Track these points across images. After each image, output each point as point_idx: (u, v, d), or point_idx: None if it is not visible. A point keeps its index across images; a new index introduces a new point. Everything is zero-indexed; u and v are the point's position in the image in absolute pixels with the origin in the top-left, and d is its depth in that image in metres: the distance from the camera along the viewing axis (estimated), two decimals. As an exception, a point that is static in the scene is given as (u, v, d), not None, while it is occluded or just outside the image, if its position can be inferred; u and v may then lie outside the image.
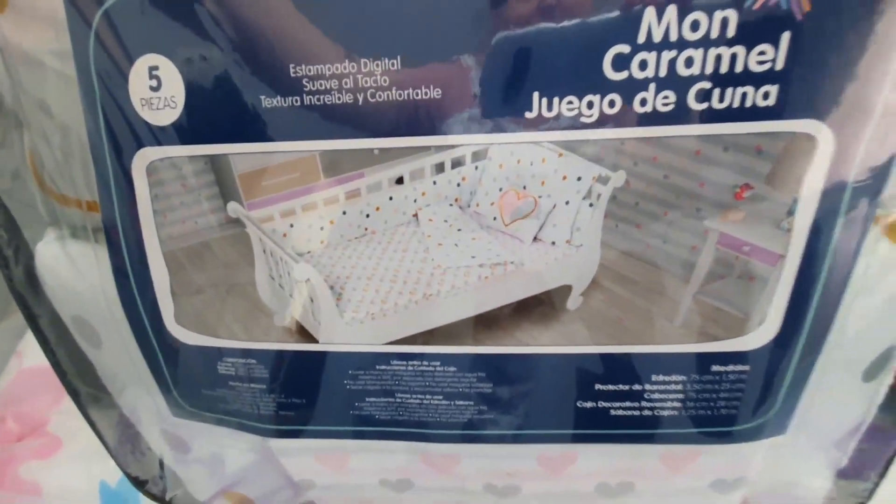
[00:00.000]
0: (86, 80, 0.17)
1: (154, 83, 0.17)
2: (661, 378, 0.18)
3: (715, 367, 0.17)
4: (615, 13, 0.13)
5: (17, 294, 0.22)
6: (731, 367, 0.17)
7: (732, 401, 0.18)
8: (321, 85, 0.15)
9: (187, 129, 0.17)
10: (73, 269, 0.21)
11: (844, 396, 0.20)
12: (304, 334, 0.18)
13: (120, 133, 0.18)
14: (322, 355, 0.18)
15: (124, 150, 0.18)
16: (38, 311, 0.23)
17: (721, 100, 0.14)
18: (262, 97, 0.16)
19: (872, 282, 0.17)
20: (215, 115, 0.16)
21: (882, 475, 0.24)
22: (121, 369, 0.22)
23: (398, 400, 0.19)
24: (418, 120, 0.15)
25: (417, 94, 0.14)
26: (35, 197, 0.23)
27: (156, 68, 0.16)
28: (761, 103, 0.14)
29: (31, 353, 0.47)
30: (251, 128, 0.16)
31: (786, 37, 0.13)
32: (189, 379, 0.20)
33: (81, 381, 0.25)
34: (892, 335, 0.19)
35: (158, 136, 0.17)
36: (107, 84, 0.17)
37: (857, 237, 0.15)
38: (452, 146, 0.15)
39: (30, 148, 0.22)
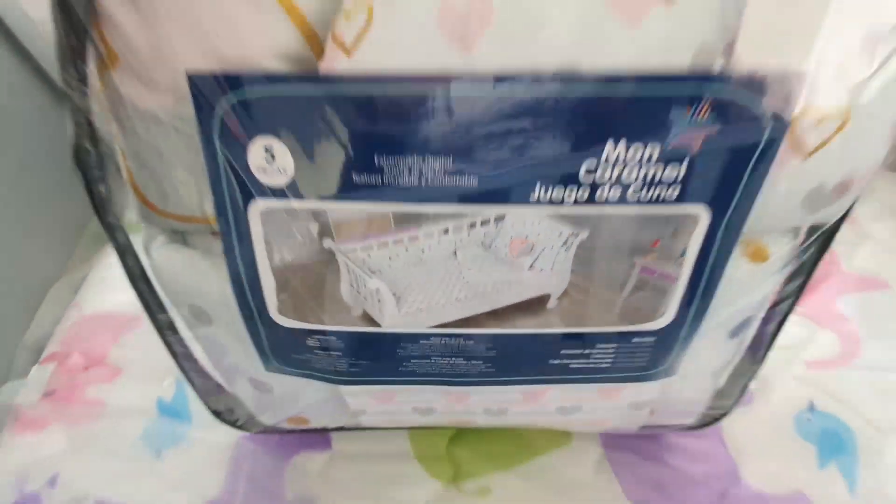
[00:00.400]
0: (209, 146, 0.24)
1: (269, 157, 0.24)
2: (603, 346, 0.28)
3: (635, 340, 0.28)
4: (591, 145, 0.21)
5: (137, 289, 0.30)
6: (645, 339, 0.28)
7: (644, 358, 0.29)
8: (397, 171, 0.23)
9: (295, 190, 0.24)
10: (191, 270, 0.28)
11: (717, 348, 0.32)
12: (370, 321, 0.28)
13: (238, 186, 0.25)
14: (384, 335, 0.28)
15: (242, 198, 0.25)
16: (149, 299, 0.31)
17: (647, 193, 0.23)
18: (354, 174, 0.23)
19: (736, 286, 0.28)
20: (317, 182, 0.24)
21: (740, 396, 0.37)
22: (226, 340, 0.31)
23: (432, 360, 0.29)
24: (462, 196, 0.23)
25: (463, 182, 0.23)
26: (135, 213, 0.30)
27: (270, 146, 0.23)
28: (670, 196, 0.23)
29: (87, 304, 0.55)
30: (344, 192, 0.24)
31: (686, 161, 0.22)
32: (283, 348, 0.30)
33: (178, 344, 0.34)
34: (748, 311, 0.31)
35: (271, 192, 0.24)
36: (228, 152, 0.24)
37: (723, 264, 0.26)
38: (496, 212, 0.23)
39: (130, 171, 0.28)
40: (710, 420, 0.39)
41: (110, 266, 0.57)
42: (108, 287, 0.56)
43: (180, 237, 0.30)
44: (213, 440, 0.45)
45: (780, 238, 0.28)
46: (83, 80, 0.25)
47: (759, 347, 0.34)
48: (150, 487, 0.43)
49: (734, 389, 0.37)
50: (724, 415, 0.39)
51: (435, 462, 0.43)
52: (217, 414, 0.39)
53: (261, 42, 0.22)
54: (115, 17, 0.22)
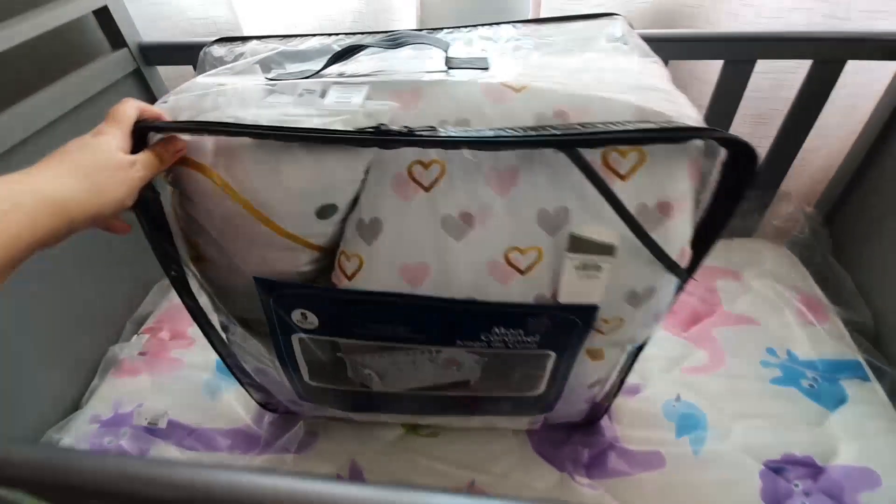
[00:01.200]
0: (268, 308, 0.43)
1: (303, 317, 0.43)
2: (504, 402, 0.51)
3: (524, 399, 0.50)
4: (486, 329, 0.41)
5: (219, 351, 0.51)
6: (530, 398, 0.50)
7: (530, 405, 0.52)
8: (378, 330, 0.43)
9: (319, 332, 0.44)
10: (254, 348, 0.49)
11: (581, 394, 0.54)
12: (364, 386, 0.50)
13: (286, 325, 0.44)
14: (373, 392, 0.50)
15: (288, 331, 0.45)
16: (227, 361, 0.52)
17: (518, 345, 0.43)
18: (354, 329, 0.43)
19: (583, 372, 0.49)
20: (332, 330, 0.44)
21: (608, 409, 0.61)
22: (278, 386, 0.53)
23: (403, 404, 0.52)
24: (416, 341, 0.43)
25: (416, 336, 0.43)
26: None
27: (305, 313, 0.43)
28: (532, 347, 0.43)
29: (176, 298, 0.77)
30: (348, 336, 0.44)
31: (538, 335, 0.42)
32: (311, 394, 0.52)
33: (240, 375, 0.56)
34: (598, 377, 0.52)
35: (305, 331, 0.44)
36: (281, 312, 0.44)
37: (568, 369, 0.47)
38: (435, 348, 0.44)
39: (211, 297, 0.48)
40: (593, 419, 0.63)
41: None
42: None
43: (246, 326, 0.51)
44: (250, 392, 0.70)
45: (616, 349, 0.48)
46: (177, 265, 0.43)
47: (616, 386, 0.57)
48: (204, 415, 0.67)
49: (604, 405, 0.60)
50: (599, 417, 0.63)
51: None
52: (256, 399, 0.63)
53: (296, 262, 0.40)
54: (206, 253, 0.41)
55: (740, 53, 0.69)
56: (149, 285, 0.84)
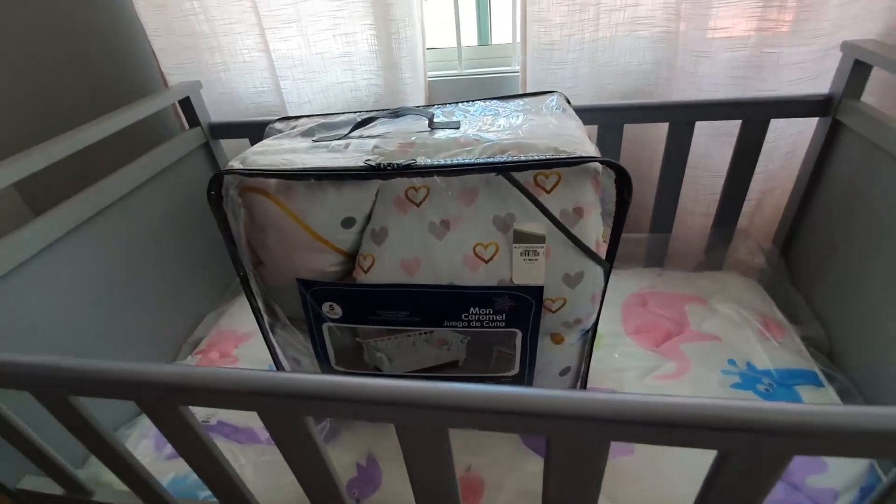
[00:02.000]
0: (305, 303, 0.63)
1: (332, 308, 0.62)
2: (491, 384, 0.67)
3: (503, 380, 0.67)
4: (464, 309, 0.60)
5: (267, 342, 0.70)
6: (508, 378, 0.67)
7: (510, 383, 0.68)
8: (386, 316, 0.61)
9: (343, 321, 0.63)
10: (293, 341, 0.68)
11: (554, 381, 0.70)
12: (377, 370, 0.67)
13: (318, 316, 0.64)
14: (384, 375, 0.67)
15: (320, 321, 0.64)
16: (272, 349, 0.71)
17: (491, 324, 0.61)
18: (368, 316, 0.62)
19: (548, 355, 0.66)
20: (352, 318, 0.62)
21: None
22: (310, 370, 0.71)
23: (407, 387, 0.69)
24: (414, 324, 0.61)
25: (413, 319, 0.61)
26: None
27: (333, 305, 0.62)
28: (501, 325, 0.61)
29: (224, 325, 0.99)
30: (363, 322, 0.62)
31: (504, 314, 0.60)
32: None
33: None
34: (565, 364, 0.69)
35: (332, 321, 0.63)
36: (315, 304, 0.63)
37: (535, 348, 0.64)
38: (429, 329, 0.62)
39: (265, 299, 0.68)
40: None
41: (239, 309, 1.05)
42: (236, 318, 1.02)
43: (290, 322, 0.70)
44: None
45: (571, 332, 0.65)
46: (244, 269, 0.64)
47: (581, 375, 0.73)
48: (246, 416, 0.85)
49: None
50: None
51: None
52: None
53: (327, 262, 0.60)
54: (263, 258, 0.62)
55: (681, 116, 0.90)
56: (201, 315, 1.05)
